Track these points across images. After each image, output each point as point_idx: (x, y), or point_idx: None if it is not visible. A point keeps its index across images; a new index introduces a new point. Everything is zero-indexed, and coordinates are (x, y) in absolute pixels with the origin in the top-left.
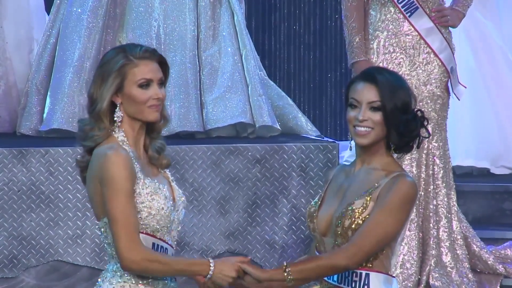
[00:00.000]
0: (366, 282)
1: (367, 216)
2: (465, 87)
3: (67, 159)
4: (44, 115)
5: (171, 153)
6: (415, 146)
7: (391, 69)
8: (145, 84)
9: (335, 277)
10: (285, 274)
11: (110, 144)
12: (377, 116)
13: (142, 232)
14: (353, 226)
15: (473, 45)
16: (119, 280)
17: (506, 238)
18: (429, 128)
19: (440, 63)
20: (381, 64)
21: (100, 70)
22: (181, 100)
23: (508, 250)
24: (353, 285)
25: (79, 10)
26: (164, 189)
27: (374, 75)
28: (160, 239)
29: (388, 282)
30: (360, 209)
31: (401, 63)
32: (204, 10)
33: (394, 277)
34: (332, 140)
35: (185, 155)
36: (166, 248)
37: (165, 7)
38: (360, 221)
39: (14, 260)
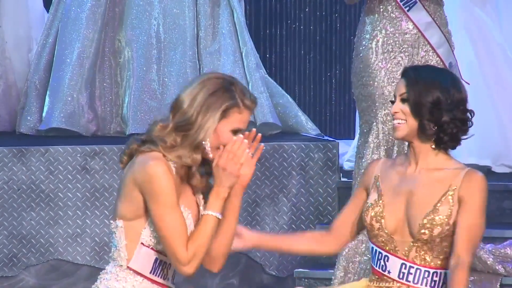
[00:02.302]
0: (444, 280)
1: (455, 221)
2: (468, 84)
3: (67, 158)
4: (43, 114)
5: None
6: (459, 142)
7: (390, 68)
8: (237, 131)
9: (411, 277)
10: None
11: (154, 153)
12: (407, 108)
13: (148, 247)
14: (442, 235)
15: (473, 43)
16: (115, 284)
17: (505, 237)
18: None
19: (439, 61)
20: (380, 64)
21: (207, 98)
22: None
23: (508, 249)
24: (432, 285)
25: (78, 10)
26: (188, 219)
27: (408, 70)
28: (165, 255)
29: None
30: (446, 216)
31: (400, 62)
32: (204, 8)
33: None
34: (332, 139)
35: None
36: (169, 264)
37: (164, 5)
38: (448, 227)
39: (14, 259)
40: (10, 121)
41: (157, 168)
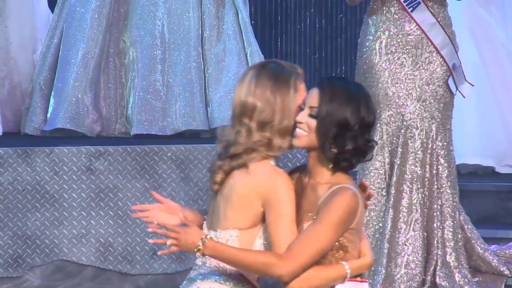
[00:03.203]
0: None
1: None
2: (473, 85)
3: (72, 159)
4: (48, 115)
5: (175, 152)
6: (353, 163)
7: (394, 69)
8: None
9: None
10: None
11: (268, 163)
12: (313, 123)
13: None
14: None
15: (477, 43)
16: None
17: (510, 237)
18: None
19: (442, 62)
20: (383, 65)
21: (274, 84)
22: (186, 99)
23: None
24: None
25: (83, 10)
26: None
27: (323, 83)
28: None
29: None
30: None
31: (404, 63)
32: (208, 9)
33: (365, 281)
34: None
35: (189, 155)
36: None
37: (169, 5)
38: None
39: (19, 260)
40: (15, 122)
41: (284, 180)
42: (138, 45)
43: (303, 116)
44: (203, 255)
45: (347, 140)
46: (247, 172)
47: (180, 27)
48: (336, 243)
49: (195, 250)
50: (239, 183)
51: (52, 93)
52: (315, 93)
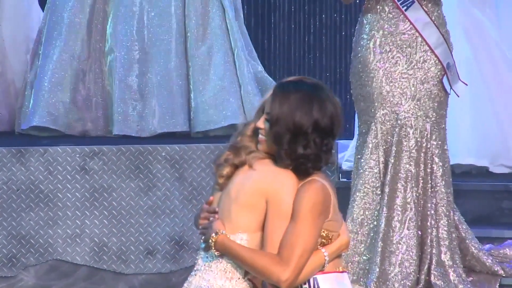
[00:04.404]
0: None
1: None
2: (466, 85)
3: (66, 158)
4: (27, 114)
5: (170, 152)
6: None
7: (388, 68)
8: None
9: None
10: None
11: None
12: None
13: None
14: None
15: (471, 43)
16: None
17: (504, 237)
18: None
19: (437, 61)
20: (378, 64)
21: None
22: (165, 100)
23: (507, 249)
24: None
25: (64, 8)
26: None
27: (277, 89)
28: None
29: (340, 280)
30: None
31: (398, 62)
32: (194, 8)
33: (344, 272)
34: None
35: (183, 154)
36: None
37: (150, 4)
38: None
39: (13, 259)
40: (9, 121)
41: (290, 180)
42: (118, 45)
43: (261, 122)
44: (216, 250)
45: (299, 145)
46: (253, 169)
47: (162, 26)
48: (322, 233)
49: (210, 243)
50: (247, 182)
51: (32, 91)
52: (270, 98)
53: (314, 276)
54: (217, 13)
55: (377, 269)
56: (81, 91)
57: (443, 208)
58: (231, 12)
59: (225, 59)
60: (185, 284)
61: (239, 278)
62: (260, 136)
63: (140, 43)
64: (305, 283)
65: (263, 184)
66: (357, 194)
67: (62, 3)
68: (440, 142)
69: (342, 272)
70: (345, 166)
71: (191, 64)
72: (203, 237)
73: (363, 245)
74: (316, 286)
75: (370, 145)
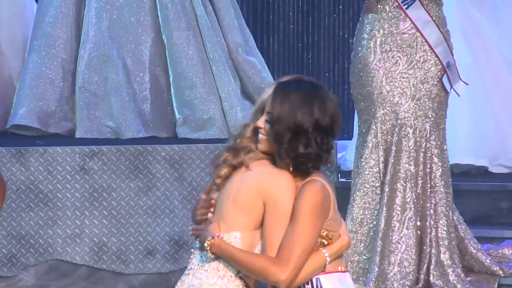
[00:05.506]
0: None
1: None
2: (467, 84)
3: (66, 159)
4: (11, 112)
5: (169, 152)
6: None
7: (388, 68)
8: None
9: None
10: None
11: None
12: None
13: None
14: None
15: (469, 43)
16: None
17: (503, 237)
18: (427, 130)
19: (437, 61)
20: (378, 63)
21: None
22: (131, 102)
23: (506, 249)
24: None
25: (49, 9)
26: None
27: (277, 89)
28: None
29: (342, 279)
30: None
31: (398, 61)
32: (167, 22)
33: (345, 271)
34: None
35: (183, 155)
36: None
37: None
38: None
39: (13, 259)
40: (6, 120)
41: (286, 180)
42: (90, 44)
43: (261, 121)
44: (212, 253)
45: (300, 144)
46: (250, 170)
47: (136, 52)
48: (322, 233)
49: (206, 246)
50: (243, 183)
51: (18, 91)
52: (270, 98)
53: (317, 276)
54: (189, 24)
55: (376, 269)
56: (67, 91)
57: (442, 208)
58: (203, 17)
59: (203, 71)
60: (178, 283)
61: (231, 276)
62: (260, 135)
63: (111, 42)
64: (307, 283)
65: (260, 185)
66: (357, 193)
67: (49, 2)
68: (439, 142)
69: (344, 271)
70: (345, 166)
71: (172, 79)
72: (198, 239)
73: (362, 244)
74: (319, 286)
75: (370, 145)
